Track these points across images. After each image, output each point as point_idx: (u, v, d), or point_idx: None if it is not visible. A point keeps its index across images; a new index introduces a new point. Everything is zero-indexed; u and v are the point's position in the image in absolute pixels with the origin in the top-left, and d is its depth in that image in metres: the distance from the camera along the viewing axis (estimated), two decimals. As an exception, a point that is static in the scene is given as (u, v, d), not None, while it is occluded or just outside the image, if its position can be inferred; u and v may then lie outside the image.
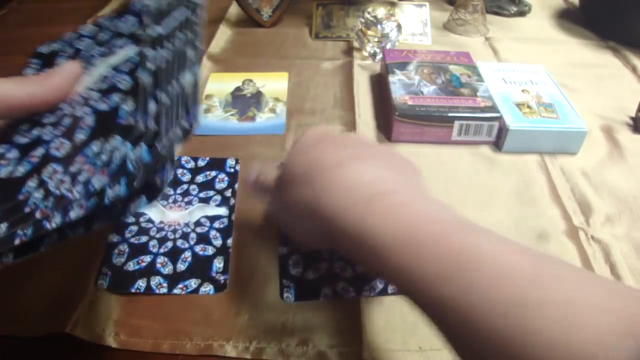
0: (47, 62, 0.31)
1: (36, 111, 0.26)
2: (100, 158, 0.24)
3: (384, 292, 0.34)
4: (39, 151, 0.25)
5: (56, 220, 0.23)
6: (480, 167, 0.46)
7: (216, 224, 0.39)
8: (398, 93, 0.49)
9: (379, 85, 0.58)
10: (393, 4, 0.71)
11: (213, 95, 0.55)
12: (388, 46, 0.62)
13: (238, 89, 0.57)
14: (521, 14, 0.75)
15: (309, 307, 0.34)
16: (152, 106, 0.25)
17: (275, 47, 0.66)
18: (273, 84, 0.57)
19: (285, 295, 0.34)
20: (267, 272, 0.36)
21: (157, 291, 0.34)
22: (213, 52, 0.65)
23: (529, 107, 0.48)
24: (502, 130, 0.47)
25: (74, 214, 0.23)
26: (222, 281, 0.35)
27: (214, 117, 0.52)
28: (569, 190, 0.43)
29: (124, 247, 0.37)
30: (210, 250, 0.37)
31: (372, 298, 0.34)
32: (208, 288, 0.34)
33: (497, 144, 0.48)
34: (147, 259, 0.36)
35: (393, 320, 0.33)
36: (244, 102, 0.54)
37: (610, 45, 0.67)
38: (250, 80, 0.58)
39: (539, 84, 0.52)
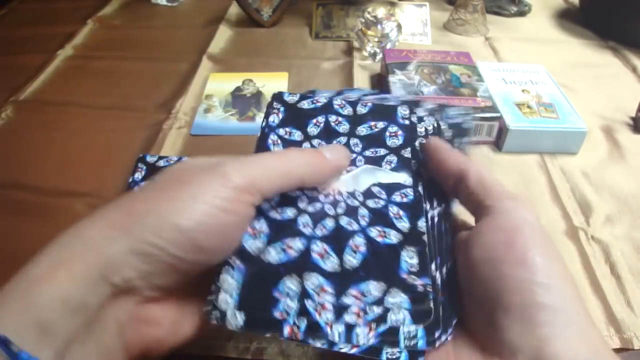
0: (292, 116, 0.29)
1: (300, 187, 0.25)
2: (373, 309, 0.22)
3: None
4: (297, 245, 0.24)
5: (335, 337, 0.21)
6: (480, 167, 0.46)
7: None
8: (398, 93, 0.49)
9: (379, 86, 0.58)
10: (393, 4, 0.71)
11: (213, 95, 0.55)
12: (388, 46, 0.62)
13: (238, 89, 0.57)
14: (521, 14, 0.75)
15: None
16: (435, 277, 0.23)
17: (275, 47, 0.66)
18: (273, 84, 0.57)
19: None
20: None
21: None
22: (213, 52, 0.65)
23: (529, 107, 0.48)
24: (502, 130, 0.47)
25: (345, 347, 0.21)
26: None
27: (214, 117, 0.52)
28: (569, 190, 0.43)
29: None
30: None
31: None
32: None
33: (497, 144, 0.48)
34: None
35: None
36: (244, 102, 0.54)
37: (610, 45, 0.67)
38: (250, 80, 0.58)
39: (539, 84, 0.52)
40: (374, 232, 0.25)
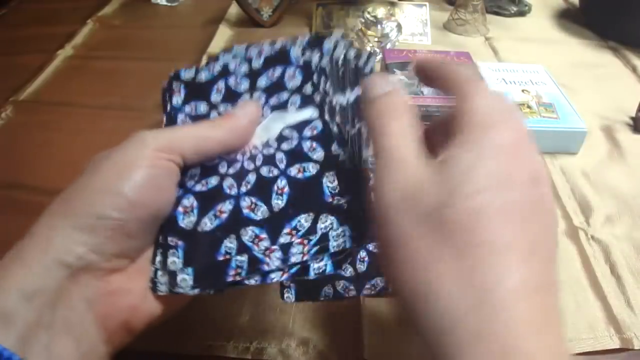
0: (193, 91, 0.29)
1: (216, 155, 0.26)
2: (310, 237, 0.24)
3: (385, 290, 0.34)
4: (227, 207, 0.25)
5: (274, 263, 0.23)
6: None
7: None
8: None
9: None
10: (393, 4, 0.71)
11: (213, 95, 0.55)
12: (388, 46, 0.62)
13: (238, 89, 0.56)
14: (521, 14, 0.75)
15: (309, 307, 0.34)
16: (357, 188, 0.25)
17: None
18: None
19: (285, 295, 0.34)
20: (267, 272, 0.36)
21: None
22: (213, 52, 0.65)
23: (529, 107, 0.48)
24: (502, 130, 0.47)
25: (295, 258, 0.23)
26: None
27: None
28: (569, 190, 0.43)
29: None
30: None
31: (373, 297, 0.34)
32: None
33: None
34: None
35: (394, 320, 0.33)
36: (244, 102, 0.54)
37: (610, 45, 0.67)
38: (250, 80, 0.58)
39: (539, 84, 0.52)
40: (293, 170, 0.26)
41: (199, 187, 0.26)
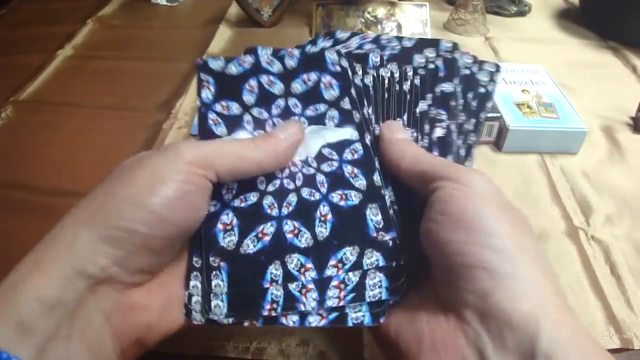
0: (224, 86, 0.28)
1: (252, 176, 0.25)
2: (351, 277, 0.23)
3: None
4: (269, 229, 0.24)
5: (310, 304, 0.23)
6: (480, 167, 0.46)
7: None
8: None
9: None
10: (393, 4, 0.71)
11: (213, 95, 0.55)
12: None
13: (238, 89, 0.56)
14: (521, 14, 0.75)
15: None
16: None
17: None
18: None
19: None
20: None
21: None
22: (213, 52, 0.65)
23: (529, 107, 0.48)
24: (502, 130, 0.47)
25: (331, 302, 0.23)
26: None
27: (214, 117, 0.52)
28: (569, 190, 0.43)
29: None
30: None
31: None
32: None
33: (497, 144, 0.48)
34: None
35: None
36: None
37: (610, 45, 0.67)
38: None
39: (539, 84, 0.52)
40: (335, 197, 0.25)
41: (237, 203, 0.25)
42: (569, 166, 0.46)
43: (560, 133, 0.46)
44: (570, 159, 0.47)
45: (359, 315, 0.23)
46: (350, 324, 0.23)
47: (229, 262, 0.24)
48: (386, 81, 0.28)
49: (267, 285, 0.23)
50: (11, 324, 0.18)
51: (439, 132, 0.27)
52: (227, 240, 0.24)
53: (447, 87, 0.28)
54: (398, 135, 0.26)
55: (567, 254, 0.38)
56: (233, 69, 0.28)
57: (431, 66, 0.28)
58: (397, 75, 0.28)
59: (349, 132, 0.26)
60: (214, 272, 0.24)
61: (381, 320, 0.23)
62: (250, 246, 0.24)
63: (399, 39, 0.31)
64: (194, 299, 0.24)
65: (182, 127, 0.51)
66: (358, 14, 0.68)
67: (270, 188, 0.26)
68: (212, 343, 0.32)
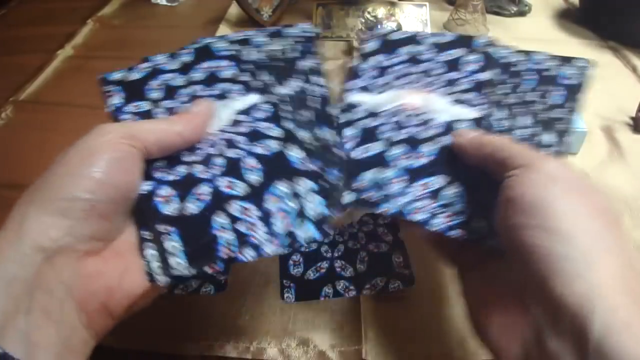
0: (130, 90, 0.30)
1: (177, 150, 0.27)
2: (290, 205, 0.26)
3: (384, 290, 0.34)
4: (205, 189, 0.26)
5: (250, 254, 0.25)
6: (481, 167, 0.46)
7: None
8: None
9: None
10: (393, 4, 0.71)
11: (213, 95, 0.55)
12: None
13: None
14: (521, 14, 0.75)
15: (309, 307, 0.34)
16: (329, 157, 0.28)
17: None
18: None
19: (285, 295, 0.34)
20: (267, 272, 0.36)
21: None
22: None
23: (529, 107, 0.48)
24: (502, 130, 0.47)
25: (268, 249, 0.25)
26: (223, 281, 0.35)
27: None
28: (569, 190, 0.43)
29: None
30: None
31: (372, 297, 0.34)
32: (208, 288, 0.34)
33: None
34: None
35: (393, 320, 0.33)
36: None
37: (610, 45, 0.67)
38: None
39: (539, 84, 0.52)
40: (257, 149, 0.28)
41: (170, 177, 0.27)
42: (569, 166, 0.46)
43: (560, 133, 0.46)
44: (570, 159, 0.47)
45: (307, 231, 0.25)
46: (302, 242, 0.25)
47: (177, 225, 0.25)
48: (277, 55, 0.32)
49: (217, 233, 0.25)
50: None
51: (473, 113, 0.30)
52: (171, 209, 0.26)
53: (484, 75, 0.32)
54: (469, 135, 0.28)
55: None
56: (135, 75, 0.31)
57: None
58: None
59: (254, 98, 0.30)
60: (163, 236, 0.25)
61: (329, 232, 0.25)
62: (192, 207, 0.26)
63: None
64: (152, 265, 0.24)
65: (182, 127, 0.51)
66: (358, 14, 0.68)
67: (196, 158, 0.28)
68: (212, 343, 0.32)
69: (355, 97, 0.32)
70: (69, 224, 0.22)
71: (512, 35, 0.70)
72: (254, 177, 0.27)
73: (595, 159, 0.47)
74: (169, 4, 0.79)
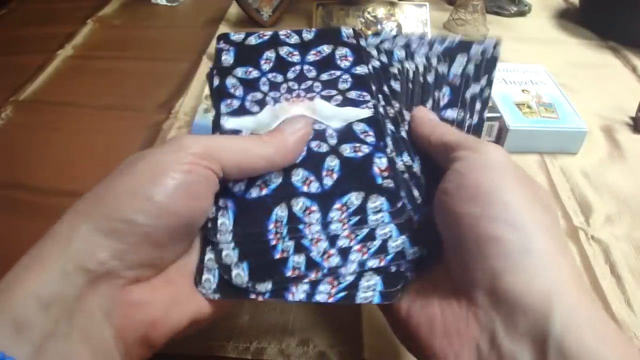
0: (243, 54, 0.29)
1: (261, 173, 0.25)
2: (360, 226, 0.24)
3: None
4: (277, 179, 0.25)
5: (300, 295, 0.23)
6: (480, 167, 0.46)
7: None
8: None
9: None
10: (393, 4, 0.71)
11: (213, 95, 0.55)
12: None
13: (238, 89, 0.56)
14: (521, 14, 0.75)
15: (309, 307, 0.34)
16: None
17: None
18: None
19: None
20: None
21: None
22: (213, 52, 0.64)
23: (529, 107, 0.48)
24: (502, 130, 0.47)
25: (321, 297, 0.23)
26: None
27: (214, 117, 0.52)
28: (569, 190, 0.43)
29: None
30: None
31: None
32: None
33: (497, 144, 0.48)
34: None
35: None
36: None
37: (610, 45, 0.67)
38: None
39: (539, 84, 0.52)
40: (345, 148, 0.26)
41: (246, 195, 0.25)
42: (569, 166, 0.46)
43: (560, 133, 0.46)
44: (570, 159, 0.47)
45: (367, 294, 0.23)
46: (359, 300, 0.23)
47: (235, 202, 0.24)
48: (411, 73, 0.30)
49: (270, 226, 0.24)
50: (7, 323, 0.17)
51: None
52: (236, 189, 0.25)
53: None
54: (429, 116, 0.27)
55: (567, 254, 0.38)
56: (252, 41, 0.30)
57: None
58: (421, 68, 0.30)
59: (367, 113, 0.27)
60: (220, 212, 0.24)
61: (392, 301, 0.23)
62: (256, 192, 0.25)
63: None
64: (204, 276, 0.23)
65: (182, 127, 0.51)
66: (358, 14, 0.68)
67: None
68: (212, 343, 0.32)
69: (231, 124, 0.27)
70: (120, 247, 0.20)
71: (512, 35, 0.70)
72: (328, 182, 0.25)
73: (595, 159, 0.47)
74: (169, 4, 0.79)
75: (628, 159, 0.47)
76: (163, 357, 0.31)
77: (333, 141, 0.26)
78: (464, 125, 0.29)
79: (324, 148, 0.26)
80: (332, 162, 0.25)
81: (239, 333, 0.32)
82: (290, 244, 0.23)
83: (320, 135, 0.26)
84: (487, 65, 0.31)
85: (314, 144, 0.26)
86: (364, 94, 0.28)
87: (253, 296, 0.23)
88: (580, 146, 0.47)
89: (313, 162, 0.25)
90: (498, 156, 0.21)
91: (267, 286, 0.23)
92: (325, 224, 0.24)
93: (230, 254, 0.23)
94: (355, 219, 0.24)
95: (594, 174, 0.45)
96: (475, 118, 0.29)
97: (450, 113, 0.29)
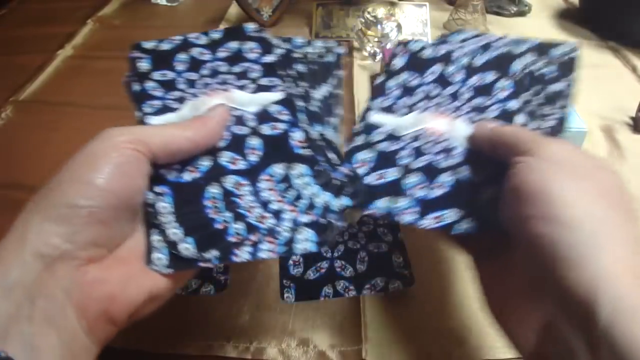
0: (158, 59, 0.31)
1: (189, 155, 0.27)
2: (288, 190, 0.26)
3: (384, 290, 0.34)
4: (205, 163, 0.27)
5: (244, 255, 0.25)
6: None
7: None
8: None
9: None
10: (393, 4, 0.71)
11: (213, 95, 0.55)
12: (388, 46, 0.62)
13: (238, 89, 0.57)
14: (521, 14, 0.75)
15: (309, 307, 0.34)
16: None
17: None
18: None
19: (285, 295, 0.34)
20: (267, 272, 0.36)
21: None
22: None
23: (529, 107, 0.48)
24: (502, 130, 0.47)
25: (264, 254, 0.25)
26: (222, 281, 0.35)
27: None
28: (569, 190, 0.43)
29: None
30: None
31: (372, 297, 0.34)
32: (208, 288, 0.34)
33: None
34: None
35: (393, 320, 0.33)
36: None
37: (610, 45, 0.67)
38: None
39: (539, 84, 0.52)
40: (264, 128, 0.28)
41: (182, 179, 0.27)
42: (569, 166, 0.46)
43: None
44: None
45: (305, 245, 0.25)
46: (298, 252, 0.25)
47: (171, 187, 0.26)
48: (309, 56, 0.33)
49: (206, 202, 0.26)
50: None
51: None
52: (171, 176, 0.27)
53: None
54: (490, 125, 0.28)
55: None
56: (165, 46, 0.32)
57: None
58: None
59: (278, 95, 0.30)
60: (159, 197, 0.26)
61: (326, 247, 0.26)
62: (186, 176, 0.27)
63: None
64: (154, 253, 0.25)
65: (182, 127, 0.51)
66: (358, 14, 0.68)
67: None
68: (212, 343, 0.32)
69: (376, 118, 0.32)
70: (69, 230, 0.22)
71: (512, 35, 0.70)
72: (253, 159, 0.27)
73: (595, 159, 0.47)
74: (169, 4, 0.79)
75: (628, 159, 0.47)
76: (163, 357, 0.31)
77: (252, 124, 0.29)
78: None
79: (245, 130, 0.28)
80: (254, 141, 0.28)
81: (239, 333, 0.32)
82: (229, 215, 0.26)
83: (240, 120, 0.29)
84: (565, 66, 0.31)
85: (236, 129, 0.28)
86: (274, 79, 0.30)
87: (202, 264, 0.25)
88: (580, 146, 0.47)
89: (237, 144, 0.28)
90: (557, 156, 0.22)
91: (214, 253, 0.25)
92: (256, 192, 0.26)
93: (175, 231, 0.25)
94: (283, 185, 0.27)
95: (594, 174, 0.45)
96: (557, 115, 0.30)
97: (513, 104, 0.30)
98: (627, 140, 0.49)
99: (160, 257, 0.25)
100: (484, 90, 0.31)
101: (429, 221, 0.26)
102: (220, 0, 0.77)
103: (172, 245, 0.25)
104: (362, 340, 0.32)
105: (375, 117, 0.32)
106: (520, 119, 0.29)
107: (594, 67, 0.62)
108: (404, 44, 0.33)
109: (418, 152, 0.29)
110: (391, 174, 0.28)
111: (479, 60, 0.32)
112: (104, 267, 0.23)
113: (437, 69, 0.33)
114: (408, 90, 0.33)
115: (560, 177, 0.21)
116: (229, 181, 0.26)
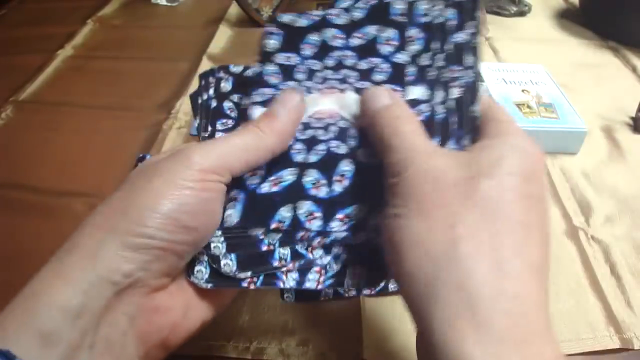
0: (290, 39, 0.27)
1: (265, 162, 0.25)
2: (332, 264, 0.24)
3: (384, 290, 0.34)
4: (288, 176, 0.25)
5: (289, 283, 0.24)
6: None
7: None
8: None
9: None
10: (393, 4, 0.71)
11: (213, 95, 0.55)
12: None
13: (238, 89, 0.56)
14: (521, 14, 0.75)
15: (309, 307, 0.34)
16: None
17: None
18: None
19: (285, 295, 0.34)
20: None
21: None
22: (213, 52, 0.65)
23: (529, 107, 0.48)
24: (502, 130, 0.47)
25: (309, 284, 0.24)
26: None
27: (214, 117, 0.52)
28: (569, 190, 0.43)
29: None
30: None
31: (372, 297, 0.34)
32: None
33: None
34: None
35: (393, 320, 0.33)
36: (244, 102, 0.54)
37: (610, 45, 0.67)
38: (250, 80, 0.58)
39: (539, 84, 0.52)
40: (364, 154, 0.25)
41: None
42: (568, 166, 0.46)
43: (560, 133, 0.46)
44: (570, 159, 0.47)
45: (355, 281, 0.24)
46: (347, 286, 0.24)
47: (246, 194, 0.25)
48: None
49: (273, 226, 0.24)
50: (34, 335, 0.18)
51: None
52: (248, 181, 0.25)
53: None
54: (370, 117, 0.24)
55: (567, 254, 0.38)
56: (302, 22, 0.27)
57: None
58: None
59: (419, 92, 0.25)
60: (231, 203, 0.24)
61: (376, 287, 0.25)
62: (265, 186, 0.25)
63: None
64: (196, 269, 0.24)
65: (182, 127, 0.51)
66: (358, 14, 0.68)
67: (301, 136, 0.26)
68: (212, 343, 0.32)
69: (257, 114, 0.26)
70: (145, 259, 0.21)
71: (512, 35, 0.70)
72: (336, 189, 0.24)
73: (595, 159, 0.47)
74: (169, 4, 0.79)
75: (628, 159, 0.47)
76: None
77: (352, 143, 0.25)
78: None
79: (342, 149, 0.25)
80: (346, 168, 0.25)
81: (239, 333, 0.32)
82: (276, 236, 0.24)
83: (341, 134, 0.25)
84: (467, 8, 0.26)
85: (334, 144, 0.25)
86: (398, 89, 0.25)
87: (245, 284, 0.23)
88: (580, 146, 0.47)
89: (327, 165, 0.25)
90: (422, 177, 0.20)
91: (256, 275, 0.24)
92: (323, 233, 0.24)
93: (218, 246, 0.24)
94: (332, 272, 0.25)
95: (594, 174, 0.45)
96: (469, 75, 0.24)
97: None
98: (627, 140, 0.49)
99: (202, 270, 0.24)
100: (368, 49, 0.26)
101: (336, 223, 0.24)
102: (220, 0, 0.77)
103: (213, 258, 0.24)
104: (362, 340, 0.32)
105: (256, 114, 0.26)
106: (418, 91, 0.24)
107: (594, 67, 0.62)
108: (274, 19, 0.27)
109: (311, 142, 0.25)
110: (286, 176, 0.25)
111: (358, 13, 0.26)
112: (168, 295, 0.23)
113: (315, 37, 0.27)
114: (287, 73, 0.27)
115: (410, 223, 0.19)
116: (304, 208, 0.24)
